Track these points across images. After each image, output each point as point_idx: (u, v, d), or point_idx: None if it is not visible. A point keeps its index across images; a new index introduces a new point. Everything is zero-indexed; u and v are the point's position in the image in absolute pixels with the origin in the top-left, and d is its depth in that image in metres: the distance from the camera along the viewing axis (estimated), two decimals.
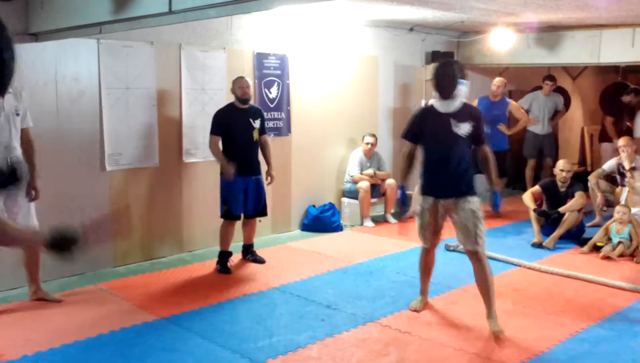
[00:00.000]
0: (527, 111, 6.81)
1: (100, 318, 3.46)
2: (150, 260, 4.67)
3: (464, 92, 3.25)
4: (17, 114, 3.47)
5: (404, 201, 3.50)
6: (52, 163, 3.81)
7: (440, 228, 3.42)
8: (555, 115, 7.12)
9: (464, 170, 3.27)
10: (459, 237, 3.35)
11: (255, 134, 4.42)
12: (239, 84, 4.37)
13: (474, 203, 3.27)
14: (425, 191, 3.36)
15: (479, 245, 3.24)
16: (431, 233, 3.42)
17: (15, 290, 3.89)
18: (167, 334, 3.26)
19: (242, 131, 4.35)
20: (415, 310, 3.55)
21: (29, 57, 3.81)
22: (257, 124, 4.43)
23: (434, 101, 3.34)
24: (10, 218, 3.45)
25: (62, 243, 1.60)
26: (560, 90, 8.17)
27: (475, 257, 3.28)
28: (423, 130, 3.36)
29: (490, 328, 3.25)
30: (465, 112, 3.27)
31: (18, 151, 3.46)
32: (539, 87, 7.15)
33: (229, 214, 4.38)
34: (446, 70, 3.24)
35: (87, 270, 4.33)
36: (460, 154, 3.26)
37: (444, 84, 3.22)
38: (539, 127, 6.91)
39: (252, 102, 4.99)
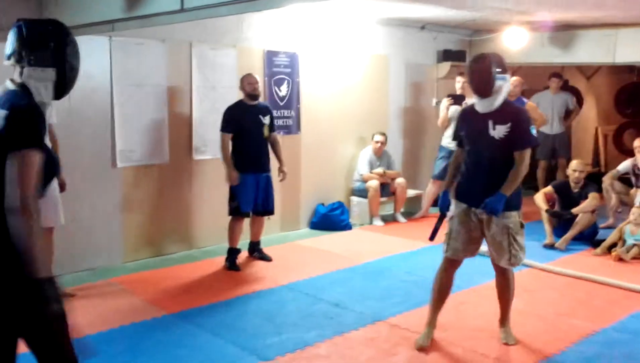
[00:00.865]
0: None
1: (110, 313, 3.49)
2: (160, 256, 4.70)
3: (506, 89, 2.90)
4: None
5: (443, 207, 3.11)
6: (64, 159, 3.83)
7: (473, 241, 3.01)
8: (568, 115, 7.02)
9: (500, 180, 2.86)
10: (492, 252, 3.00)
11: (266, 131, 4.43)
12: (248, 80, 4.39)
13: (511, 217, 2.91)
14: (458, 196, 3.03)
15: (511, 264, 2.96)
16: (462, 243, 3.00)
17: None
18: (176, 330, 3.27)
19: (253, 128, 4.36)
20: (421, 349, 3.03)
21: None
22: (266, 120, 4.44)
23: (475, 100, 2.98)
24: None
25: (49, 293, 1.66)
26: (573, 90, 8.07)
27: (503, 273, 3.05)
28: (463, 132, 3.06)
29: (502, 338, 3.13)
30: (505, 113, 2.88)
31: (48, 147, 3.52)
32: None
33: (237, 211, 4.38)
34: (480, 65, 2.89)
35: (98, 264, 4.37)
36: (497, 161, 2.89)
37: (479, 80, 2.88)
38: (548, 127, 6.76)
39: (261, 100, 5.01)
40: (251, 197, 4.38)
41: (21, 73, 1.81)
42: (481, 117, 2.94)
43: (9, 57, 1.82)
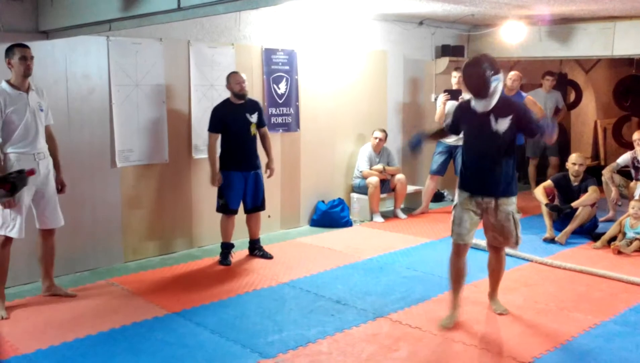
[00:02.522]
0: None
1: (111, 313, 3.50)
2: (161, 256, 4.71)
3: (500, 86, 3.06)
4: (41, 110, 3.55)
5: (416, 144, 3.34)
6: (63, 159, 3.85)
7: (474, 225, 3.24)
8: (556, 113, 6.99)
9: (504, 169, 3.13)
10: (497, 237, 3.28)
11: (253, 129, 4.42)
12: (235, 79, 4.36)
13: (512, 204, 3.19)
14: (462, 186, 3.26)
15: (517, 244, 3.28)
16: (465, 228, 3.21)
17: (28, 285, 3.94)
18: (177, 329, 3.28)
19: (239, 127, 4.36)
20: (447, 329, 3.21)
21: (40, 55, 3.84)
22: (254, 118, 4.42)
23: (472, 99, 3.15)
24: (38, 210, 3.58)
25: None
26: (572, 83, 8.06)
27: (499, 253, 3.38)
28: (462, 126, 3.28)
29: (495, 310, 3.45)
30: (504, 107, 3.09)
31: (44, 147, 3.56)
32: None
33: (225, 208, 4.42)
34: (475, 69, 3.03)
35: (98, 265, 4.38)
36: (500, 152, 3.11)
37: (476, 84, 3.04)
38: None
39: (260, 98, 5.00)
40: (239, 194, 4.40)
41: None
42: (481, 114, 3.12)
43: None
